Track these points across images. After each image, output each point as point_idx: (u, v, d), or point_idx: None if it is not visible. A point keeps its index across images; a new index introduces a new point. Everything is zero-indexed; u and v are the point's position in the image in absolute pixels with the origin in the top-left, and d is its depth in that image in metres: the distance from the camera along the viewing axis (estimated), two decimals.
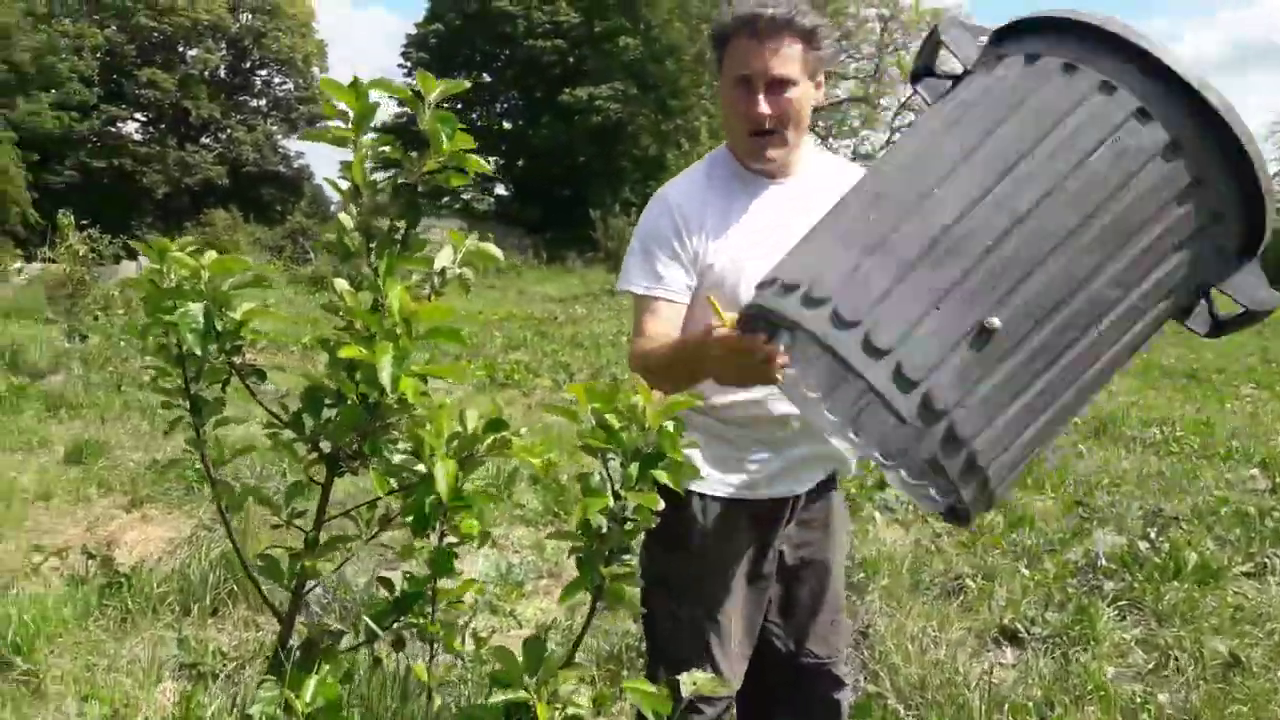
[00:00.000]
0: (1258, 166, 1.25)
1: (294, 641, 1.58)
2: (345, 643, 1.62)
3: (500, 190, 41.55)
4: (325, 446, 1.37)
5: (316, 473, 1.44)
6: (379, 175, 1.36)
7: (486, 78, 39.89)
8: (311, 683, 1.44)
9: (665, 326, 1.86)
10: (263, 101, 41.27)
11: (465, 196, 40.02)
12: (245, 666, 3.11)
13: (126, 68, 34.84)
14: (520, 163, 39.58)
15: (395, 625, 1.57)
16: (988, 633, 3.68)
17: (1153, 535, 4.68)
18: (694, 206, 1.90)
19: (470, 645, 1.74)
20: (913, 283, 1.22)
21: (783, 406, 1.85)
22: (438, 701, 1.57)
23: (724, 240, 1.88)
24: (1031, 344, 1.22)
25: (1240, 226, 1.30)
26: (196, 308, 1.25)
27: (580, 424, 1.27)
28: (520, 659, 1.36)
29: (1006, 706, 2.98)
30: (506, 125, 40.92)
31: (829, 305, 1.23)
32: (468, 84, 1.19)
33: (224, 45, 37.21)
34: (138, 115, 36.33)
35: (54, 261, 13.74)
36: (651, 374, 1.50)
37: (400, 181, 1.25)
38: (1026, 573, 4.31)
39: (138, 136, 35.92)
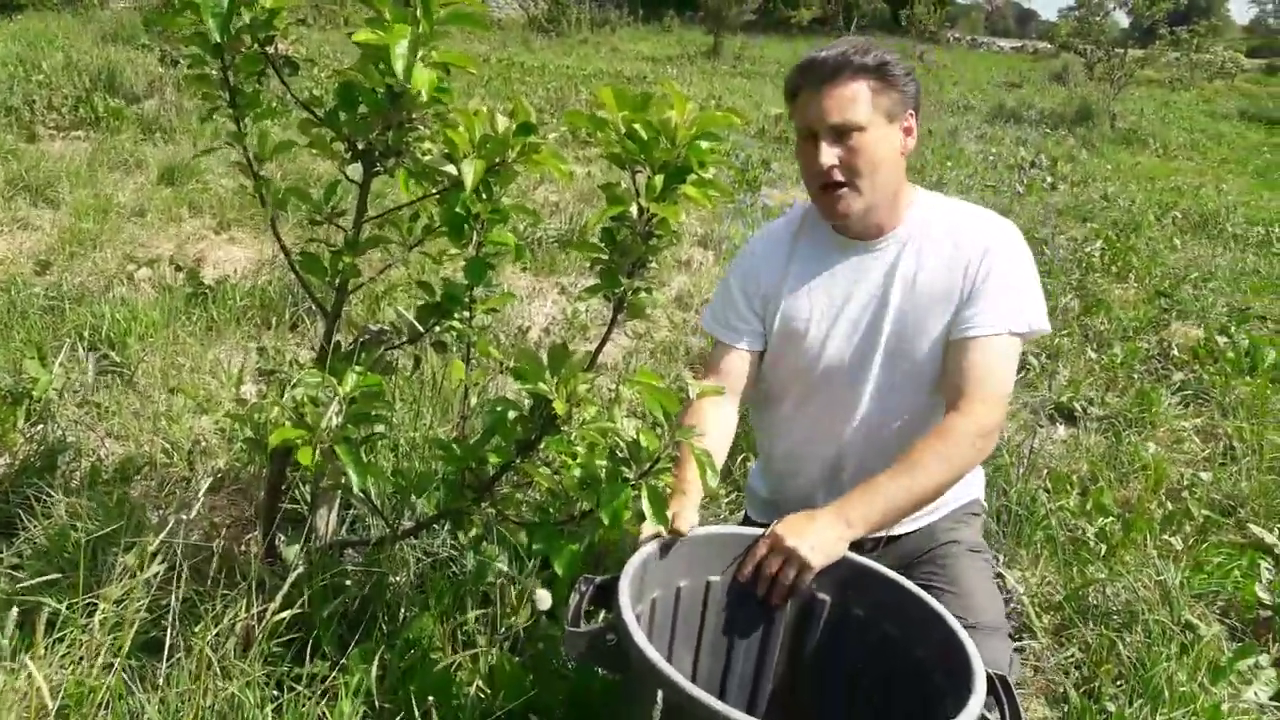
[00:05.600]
0: None
1: (339, 338, 1.66)
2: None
3: None
4: (360, 143, 1.37)
5: (354, 172, 1.46)
6: None
7: None
8: (353, 372, 1.52)
9: (719, 372, 1.84)
10: None
11: None
12: None
13: None
14: None
15: (435, 328, 1.63)
16: (1043, 409, 3.68)
17: (1233, 330, 4.53)
18: (772, 263, 1.84)
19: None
20: None
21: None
22: (474, 399, 1.65)
23: (802, 300, 1.81)
24: None
25: None
26: None
27: (608, 133, 1.24)
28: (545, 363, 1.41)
29: (1046, 473, 3.02)
30: None
31: None
32: None
33: None
34: None
35: None
36: None
37: None
38: (1094, 355, 4.25)
39: None
